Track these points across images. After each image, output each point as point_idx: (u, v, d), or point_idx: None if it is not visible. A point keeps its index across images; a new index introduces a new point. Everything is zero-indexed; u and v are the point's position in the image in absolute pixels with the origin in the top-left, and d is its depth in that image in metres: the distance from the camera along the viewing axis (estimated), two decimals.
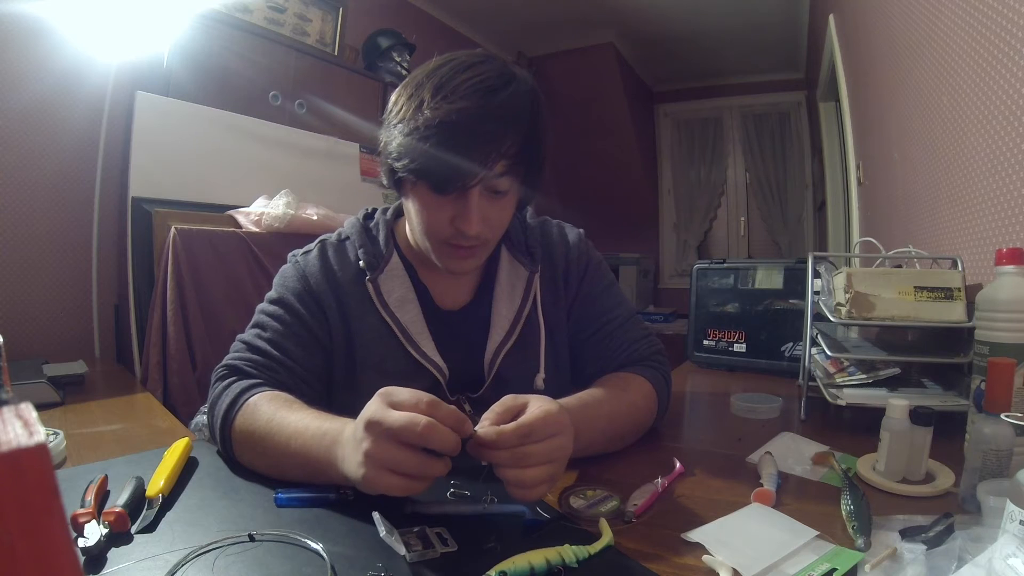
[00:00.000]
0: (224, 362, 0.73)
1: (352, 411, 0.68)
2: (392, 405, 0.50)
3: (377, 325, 0.77)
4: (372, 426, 0.50)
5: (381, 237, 0.81)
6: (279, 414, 0.62)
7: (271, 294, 0.79)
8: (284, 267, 0.82)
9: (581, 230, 0.92)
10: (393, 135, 0.68)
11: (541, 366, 0.81)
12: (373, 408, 0.51)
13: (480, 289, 0.84)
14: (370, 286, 0.77)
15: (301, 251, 0.82)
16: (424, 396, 0.51)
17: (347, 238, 0.82)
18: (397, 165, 0.68)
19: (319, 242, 0.83)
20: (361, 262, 0.78)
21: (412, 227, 0.77)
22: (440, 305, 0.82)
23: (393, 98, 0.71)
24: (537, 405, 0.54)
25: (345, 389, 0.78)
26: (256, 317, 0.77)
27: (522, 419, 0.52)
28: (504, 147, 0.65)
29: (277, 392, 0.69)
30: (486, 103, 0.63)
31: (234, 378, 0.70)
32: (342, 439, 0.55)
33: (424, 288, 0.81)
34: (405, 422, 0.48)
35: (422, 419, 0.48)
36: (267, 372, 0.72)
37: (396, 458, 0.49)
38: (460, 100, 0.63)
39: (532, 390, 0.80)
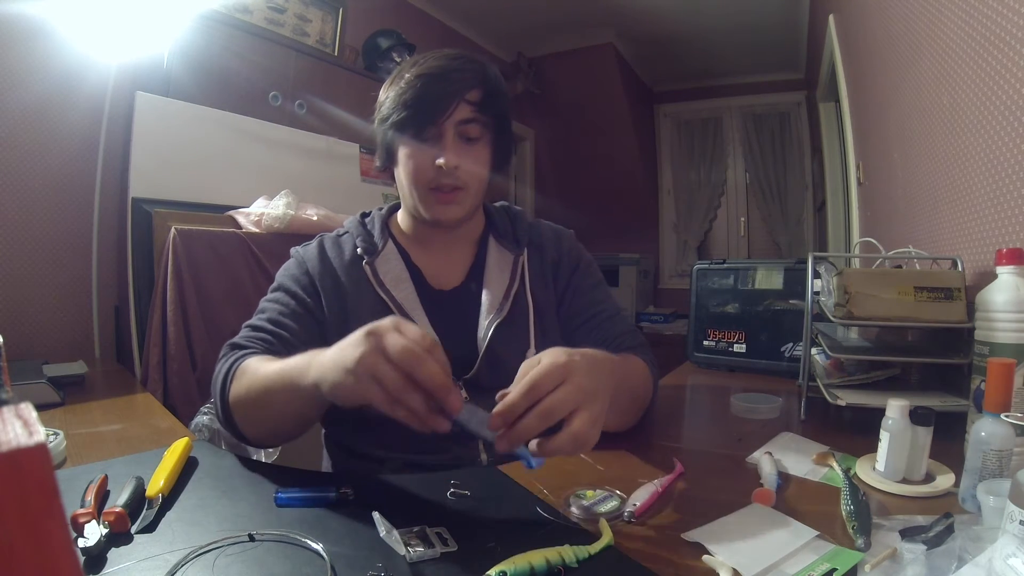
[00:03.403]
0: (227, 343, 0.79)
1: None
2: (398, 330, 0.52)
3: (373, 303, 0.82)
4: (372, 335, 0.51)
5: (377, 228, 0.89)
6: (265, 364, 0.68)
7: (272, 285, 0.85)
8: (287, 262, 0.88)
9: (572, 231, 0.98)
10: (383, 109, 0.81)
11: (531, 342, 0.84)
12: (379, 324, 0.53)
13: (471, 272, 0.89)
14: (367, 268, 0.83)
15: (301, 246, 0.89)
16: (429, 337, 0.52)
17: (345, 232, 0.90)
18: (386, 125, 0.80)
19: (319, 237, 0.90)
20: (359, 249, 0.85)
21: (403, 190, 0.84)
22: (433, 285, 0.86)
23: (382, 88, 0.85)
24: (541, 359, 0.54)
25: None
26: (259, 305, 0.83)
27: (525, 378, 0.52)
28: (467, 92, 0.78)
29: (268, 355, 0.73)
30: (450, 62, 0.79)
31: (232, 353, 0.75)
32: (326, 352, 0.56)
33: (418, 269, 0.87)
34: (402, 345, 0.50)
35: (418, 349, 0.50)
36: (263, 344, 0.77)
37: (383, 371, 0.50)
38: (430, 63, 0.79)
39: None
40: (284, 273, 0.86)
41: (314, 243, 0.88)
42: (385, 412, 0.50)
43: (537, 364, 0.53)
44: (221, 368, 0.73)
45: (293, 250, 0.89)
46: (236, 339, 0.78)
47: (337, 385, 0.53)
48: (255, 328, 0.79)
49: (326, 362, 0.55)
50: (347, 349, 0.53)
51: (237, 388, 0.69)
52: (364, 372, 0.50)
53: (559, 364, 0.52)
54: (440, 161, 0.77)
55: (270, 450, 1.32)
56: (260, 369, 0.67)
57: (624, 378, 0.73)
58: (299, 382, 0.59)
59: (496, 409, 0.51)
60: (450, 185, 0.79)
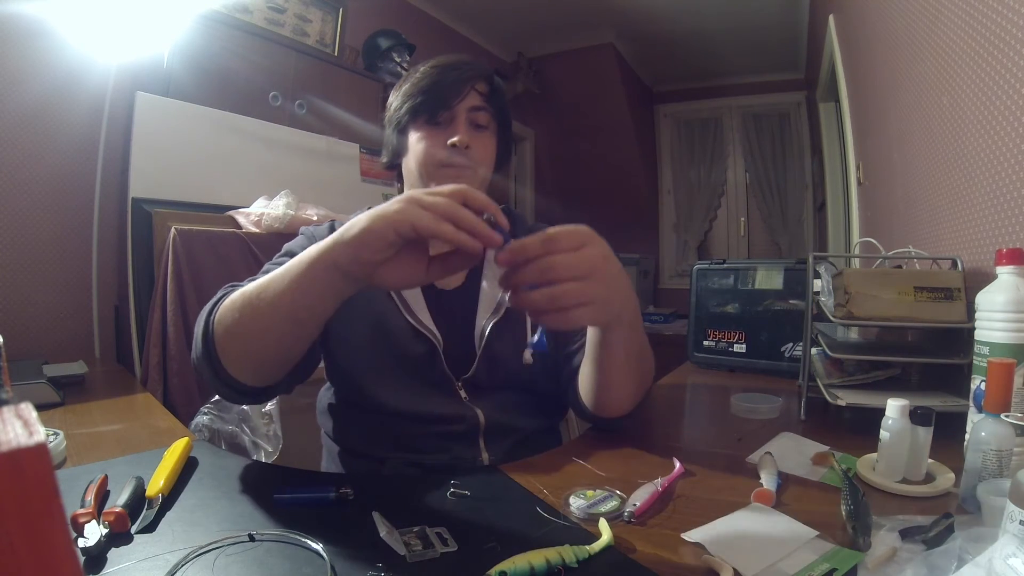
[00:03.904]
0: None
1: (346, 366, 0.78)
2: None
3: (378, 295, 0.83)
4: (414, 191, 0.53)
5: None
6: (260, 279, 0.62)
7: (278, 253, 0.84)
8: (294, 239, 0.88)
9: None
10: (396, 102, 0.86)
11: (528, 341, 0.84)
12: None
13: (472, 272, 0.89)
14: None
15: (311, 226, 0.90)
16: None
17: None
18: (400, 113, 0.84)
19: (329, 221, 0.92)
20: None
21: (411, 176, 0.85)
22: (436, 285, 0.87)
23: (393, 91, 0.89)
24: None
25: (339, 343, 0.83)
26: (263, 268, 0.78)
27: (548, 230, 0.53)
28: (476, 82, 0.84)
29: None
30: (459, 58, 0.86)
31: (227, 288, 0.70)
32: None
33: None
34: (451, 187, 0.53)
35: (464, 185, 0.53)
36: None
37: (432, 199, 0.51)
38: (441, 59, 0.85)
39: (521, 366, 0.82)
40: (292, 244, 0.86)
41: (325, 225, 0.90)
42: (429, 232, 0.50)
43: None
44: (209, 303, 0.67)
45: (303, 228, 0.90)
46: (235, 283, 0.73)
47: (376, 217, 0.52)
48: (252, 281, 0.75)
49: (357, 218, 0.54)
50: (380, 207, 0.54)
51: (224, 308, 0.63)
52: (414, 200, 0.51)
53: (584, 231, 0.54)
54: (453, 139, 0.80)
55: (270, 449, 1.32)
56: (257, 281, 0.62)
57: (641, 327, 0.71)
58: (301, 260, 0.57)
59: (510, 245, 0.52)
60: (460, 163, 0.82)
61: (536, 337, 0.56)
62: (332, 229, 0.87)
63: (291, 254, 0.81)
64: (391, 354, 0.81)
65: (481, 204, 0.53)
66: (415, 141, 0.83)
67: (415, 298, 0.84)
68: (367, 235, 0.52)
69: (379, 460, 0.82)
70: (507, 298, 0.54)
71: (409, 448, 0.81)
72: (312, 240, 0.84)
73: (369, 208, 0.90)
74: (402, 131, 0.85)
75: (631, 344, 0.69)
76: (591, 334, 0.70)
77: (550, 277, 0.51)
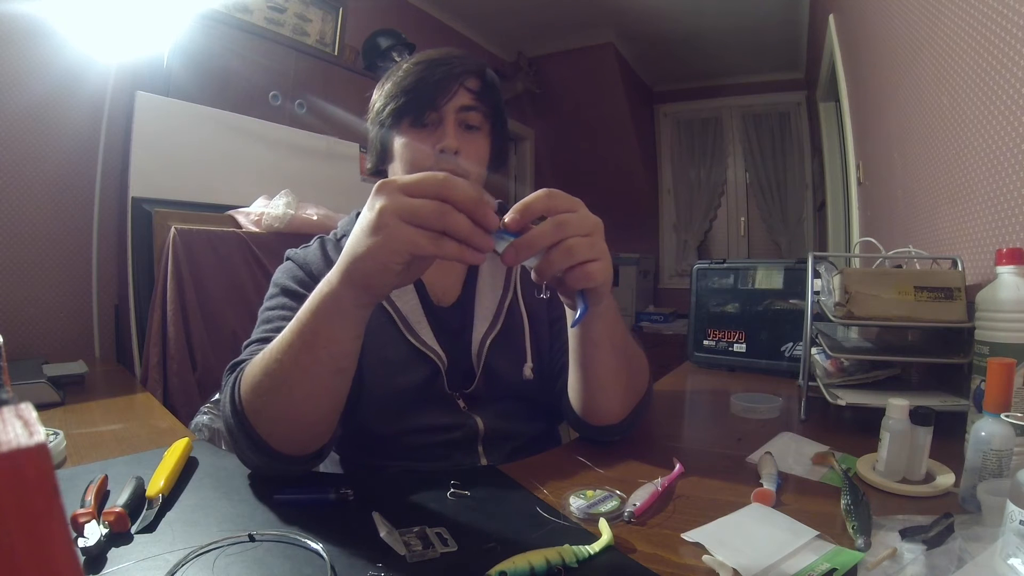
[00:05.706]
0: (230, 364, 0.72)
1: (355, 400, 0.69)
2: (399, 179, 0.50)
3: (377, 313, 0.78)
4: (384, 185, 0.48)
5: None
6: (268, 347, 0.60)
7: (270, 291, 0.79)
8: (281, 265, 0.83)
9: None
10: (378, 103, 0.80)
11: (528, 355, 0.82)
12: (383, 179, 0.50)
13: (467, 285, 0.86)
14: None
15: (299, 248, 0.84)
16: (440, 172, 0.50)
17: (344, 235, 0.84)
18: (383, 115, 0.78)
19: (318, 239, 0.85)
20: None
21: None
22: (433, 301, 0.84)
23: (376, 88, 0.84)
24: None
25: None
26: (259, 318, 0.76)
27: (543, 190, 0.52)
28: (466, 79, 0.77)
29: None
30: (447, 53, 0.80)
31: (237, 368, 0.67)
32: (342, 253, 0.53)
33: (420, 281, 0.83)
34: (421, 176, 0.48)
35: (440, 173, 0.48)
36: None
37: (413, 206, 0.47)
38: (428, 54, 0.79)
39: (522, 380, 0.82)
40: (283, 275, 0.80)
41: (315, 246, 0.84)
42: (429, 254, 0.48)
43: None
44: (227, 384, 0.64)
45: (290, 252, 0.84)
46: (238, 359, 0.70)
47: (369, 255, 0.48)
48: (260, 340, 0.71)
49: (346, 250, 0.51)
50: (363, 217, 0.49)
51: (247, 382, 0.59)
52: (396, 217, 0.47)
53: (571, 196, 0.54)
54: (442, 144, 0.74)
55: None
56: (270, 345, 0.58)
57: (624, 327, 0.69)
58: (312, 306, 0.54)
59: (515, 206, 0.51)
60: (450, 170, 0.76)
61: (578, 311, 0.57)
62: (323, 248, 0.82)
63: (286, 291, 0.77)
64: (392, 383, 0.77)
65: (468, 205, 0.47)
66: (400, 146, 0.77)
67: (416, 316, 0.80)
68: (375, 278, 0.50)
69: (378, 469, 0.81)
70: (533, 274, 0.53)
71: (407, 457, 0.79)
72: (306, 267, 0.80)
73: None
74: (386, 135, 0.79)
75: (615, 327, 0.66)
76: (573, 331, 0.67)
77: (563, 234, 0.51)
